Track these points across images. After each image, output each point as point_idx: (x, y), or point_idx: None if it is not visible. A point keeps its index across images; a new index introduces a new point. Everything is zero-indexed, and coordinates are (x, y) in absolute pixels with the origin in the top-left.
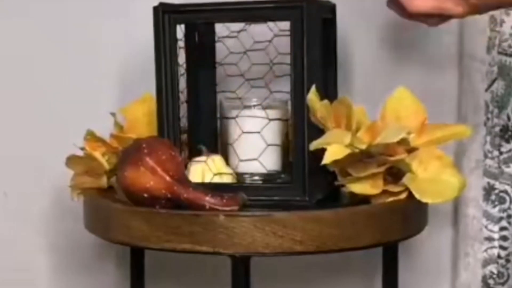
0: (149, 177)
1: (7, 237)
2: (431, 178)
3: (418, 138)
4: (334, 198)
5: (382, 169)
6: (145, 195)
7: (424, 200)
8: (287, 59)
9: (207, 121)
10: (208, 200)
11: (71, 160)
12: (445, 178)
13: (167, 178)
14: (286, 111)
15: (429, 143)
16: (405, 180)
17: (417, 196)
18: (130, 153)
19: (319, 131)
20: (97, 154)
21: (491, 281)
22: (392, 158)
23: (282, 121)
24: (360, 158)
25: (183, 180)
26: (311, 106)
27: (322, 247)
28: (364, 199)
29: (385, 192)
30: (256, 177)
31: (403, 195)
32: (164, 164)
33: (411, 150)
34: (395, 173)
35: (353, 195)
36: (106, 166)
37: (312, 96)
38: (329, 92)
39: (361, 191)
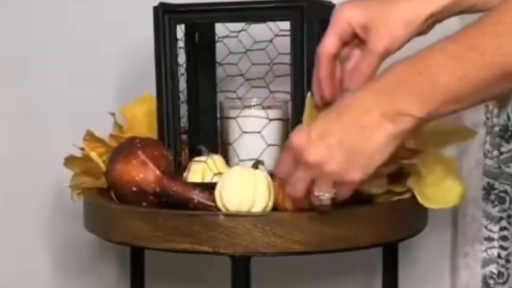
0: (140, 170)
1: (7, 237)
2: (435, 183)
3: (421, 139)
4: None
5: (389, 170)
6: (134, 188)
7: (427, 205)
8: (287, 59)
9: (207, 121)
10: (197, 194)
11: (70, 161)
12: (448, 185)
13: (157, 171)
14: (286, 111)
15: (433, 145)
16: (410, 183)
17: (421, 201)
18: (123, 148)
19: None
20: (94, 155)
21: (491, 281)
22: (405, 161)
23: (282, 121)
24: None
25: (173, 176)
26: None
27: (322, 247)
28: (366, 198)
29: (388, 192)
30: None
31: (406, 195)
32: (156, 160)
33: (414, 152)
34: (396, 172)
35: (354, 194)
36: (103, 166)
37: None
38: None
39: (365, 190)
